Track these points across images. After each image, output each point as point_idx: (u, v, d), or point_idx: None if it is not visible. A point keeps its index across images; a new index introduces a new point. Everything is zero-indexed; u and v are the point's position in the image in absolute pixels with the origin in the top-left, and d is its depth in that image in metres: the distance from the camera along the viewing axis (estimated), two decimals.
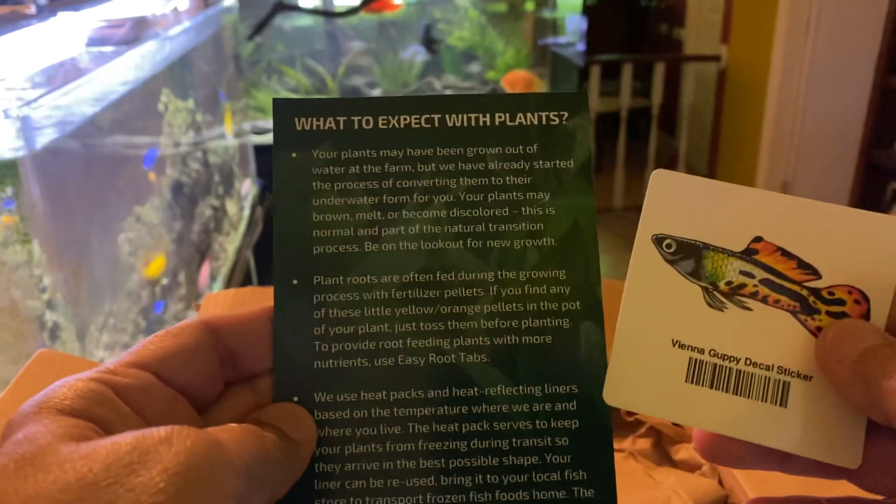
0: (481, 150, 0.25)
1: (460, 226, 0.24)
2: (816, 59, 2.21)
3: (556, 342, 0.24)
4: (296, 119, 0.25)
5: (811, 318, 0.23)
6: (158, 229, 1.02)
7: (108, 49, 0.91)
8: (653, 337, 0.23)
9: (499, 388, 0.24)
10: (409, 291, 0.24)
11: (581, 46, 2.38)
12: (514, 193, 0.25)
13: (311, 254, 0.24)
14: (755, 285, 0.23)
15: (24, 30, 0.82)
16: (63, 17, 0.91)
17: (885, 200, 2.16)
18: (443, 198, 0.25)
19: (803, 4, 2.17)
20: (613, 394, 0.23)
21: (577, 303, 0.24)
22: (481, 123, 0.25)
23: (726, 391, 0.23)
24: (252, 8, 2.11)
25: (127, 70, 0.88)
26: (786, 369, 0.23)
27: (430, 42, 2.28)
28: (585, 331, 0.24)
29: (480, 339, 0.24)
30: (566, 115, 0.25)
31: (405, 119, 0.25)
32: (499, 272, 0.24)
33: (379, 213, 0.24)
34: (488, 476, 0.23)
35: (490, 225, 0.24)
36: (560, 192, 0.25)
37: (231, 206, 1.52)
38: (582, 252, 0.24)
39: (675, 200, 0.24)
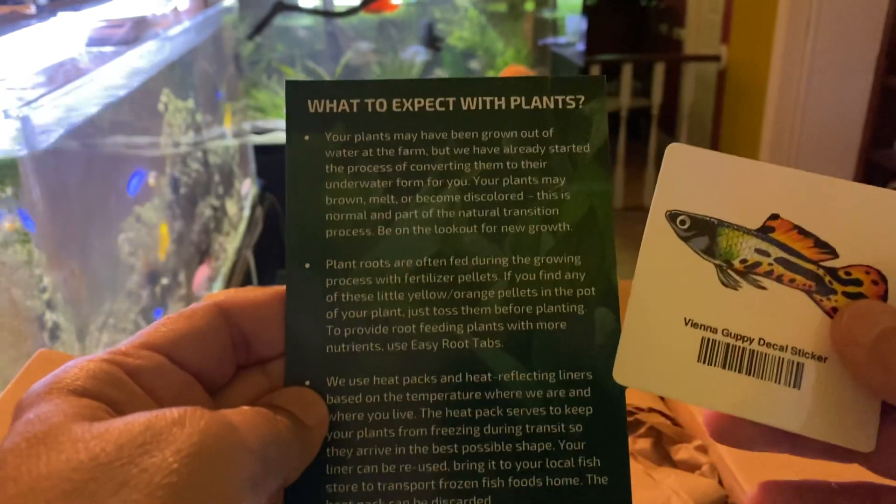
0: (496, 134, 0.24)
1: (474, 210, 0.24)
2: (816, 59, 2.21)
3: (571, 328, 0.24)
4: (309, 101, 0.25)
5: (827, 298, 0.22)
6: (156, 229, 1.02)
7: (108, 49, 0.90)
8: (665, 315, 0.23)
9: (512, 374, 0.23)
10: (423, 276, 0.24)
11: (581, 46, 2.39)
12: (530, 178, 0.24)
13: (323, 237, 0.24)
14: (770, 264, 0.22)
15: (24, 30, 0.81)
16: (63, 17, 0.90)
17: None
18: (457, 182, 0.24)
19: (803, 4, 2.17)
20: (623, 372, 0.23)
21: (593, 289, 0.24)
22: (496, 107, 0.25)
23: (739, 371, 0.22)
24: (252, 8, 2.11)
25: (127, 70, 0.88)
26: (800, 350, 0.22)
27: (433, 40, 2.28)
28: (600, 317, 0.24)
29: (494, 324, 0.24)
30: (583, 98, 0.25)
31: (419, 102, 0.25)
32: (513, 257, 0.24)
33: (392, 197, 0.24)
34: (501, 462, 0.23)
35: (505, 210, 0.24)
36: (576, 177, 0.24)
37: (231, 206, 1.52)
38: (597, 238, 0.24)
39: (690, 175, 0.23)
